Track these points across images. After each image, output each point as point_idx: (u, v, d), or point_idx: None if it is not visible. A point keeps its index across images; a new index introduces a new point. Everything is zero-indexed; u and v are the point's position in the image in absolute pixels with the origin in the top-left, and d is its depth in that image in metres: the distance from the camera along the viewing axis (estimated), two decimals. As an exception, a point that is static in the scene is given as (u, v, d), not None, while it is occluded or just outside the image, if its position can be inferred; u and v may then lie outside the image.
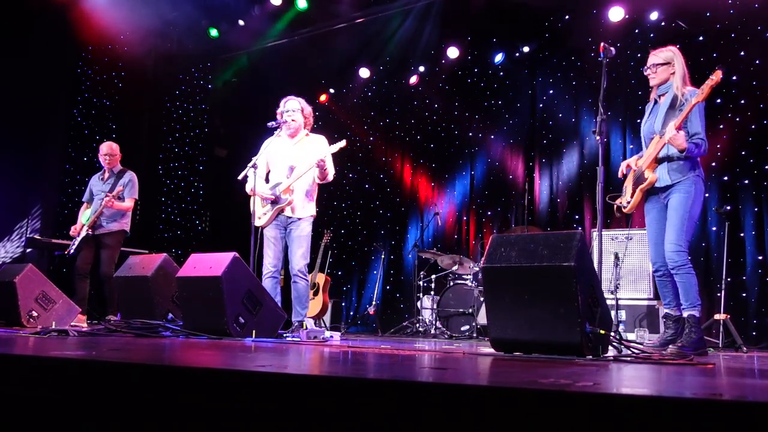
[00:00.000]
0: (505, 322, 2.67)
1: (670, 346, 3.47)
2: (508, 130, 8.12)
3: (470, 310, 6.44)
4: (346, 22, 8.50)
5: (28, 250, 6.91)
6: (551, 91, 7.83)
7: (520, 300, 2.60)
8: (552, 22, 7.63)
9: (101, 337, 3.33)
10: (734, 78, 6.32)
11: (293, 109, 4.72)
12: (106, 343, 2.78)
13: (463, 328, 6.47)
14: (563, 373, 1.66)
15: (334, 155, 4.72)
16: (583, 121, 7.48)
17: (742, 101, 6.34)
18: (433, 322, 6.74)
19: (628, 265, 5.72)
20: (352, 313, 8.80)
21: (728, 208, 5.91)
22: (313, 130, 4.92)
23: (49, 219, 7.46)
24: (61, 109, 7.77)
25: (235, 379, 1.47)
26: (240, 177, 4.65)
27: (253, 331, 3.81)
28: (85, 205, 6.07)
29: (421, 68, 8.59)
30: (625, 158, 4.12)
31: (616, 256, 5.69)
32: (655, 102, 3.86)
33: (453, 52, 8.27)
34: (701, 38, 6.53)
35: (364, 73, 8.91)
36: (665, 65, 3.77)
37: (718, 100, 6.33)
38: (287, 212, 4.61)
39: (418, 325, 6.96)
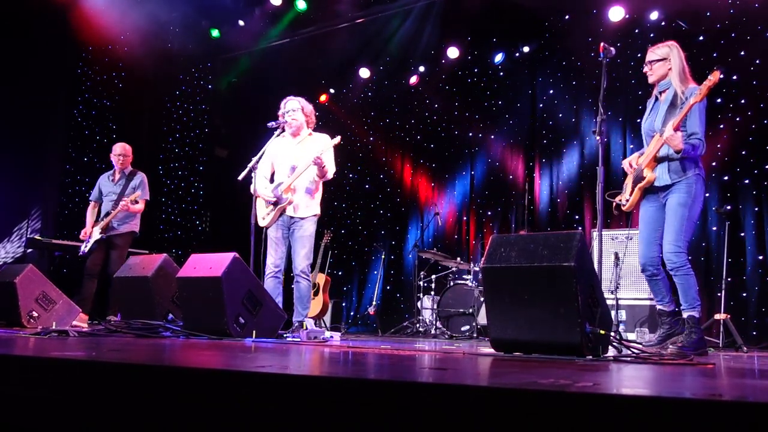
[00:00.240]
0: (505, 323, 2.67)
1: (670, 346, 3.46)
2: (508, 130, 8.12)
3: (470, 310, 6.44)
4: (346, 22, 8.50)
5: (29, 251, 6.92)
6: (551, 91, 7.84)
7: (520, 300, 2.60)
8: (552, 22, 7.63)
9: (101, 338, 3.33)
10: (734, 78, 6.33)
11: (293, 108, 4.73)
12: (106, 343, 2.78)
13: (463, 328, 6.47)
14: (563, 374, 1.66)
15: (335, 153, 4.72)
16: (583, 121, 7.48)
17: (742, 101, 6.34)
18: (434, 322, 6.74)
19: (628, 265, 5.71)
20: (352, 314, 8.80)
21: (728, 208, 5.90)
22: (314, 130, 4.92)
23: (49, 219, 7.46)
24: (61, 109, 7.76)
25: (235, 379, 1.47)
26: (240, 177, 4.66)
27: (253, 332, 3.81)
28: (92, 204, 6.12)
29: (421, 68, 8.59)
30: (625, 158, 4.12)
31: (616, 256, 5.69)
32: (656, 99, 3.81)
33: (453, 52, 8.27)
34: (701, 38, 6.53)
35: (364, 73, 8.92)
36: (662, 61, 3.70)
37: (718, 100, 6.33)
38: (289, 212, 4.61)
39: (418, 325, 6.96)
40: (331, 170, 4.66)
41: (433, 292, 7.13)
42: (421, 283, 7.14)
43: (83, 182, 7.67)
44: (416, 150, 8.85)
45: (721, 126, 6.36)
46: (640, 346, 3.37)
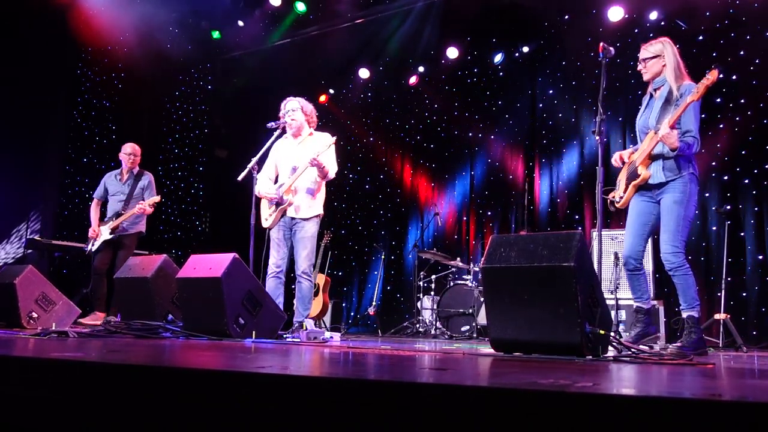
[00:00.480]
0: (504, 323, 2.66)
1: (670, 346, 3.46)
2: (508, 130, 8.12)
3: (470, 311, 6.44)
4: (346, 23, 8.50)
5: (28, 252, 6.92)
6: (551, 91, 7.84)
7: (520, 300, 2.60)
8: (552, 22, 7.64)
9: (101, 338, 3.33)
10: (734, 78, 6.33)
11: (293, 108, 4.73)
12: (106, 344, 2.78)
13: (463, 329, 6.47)
14: (563, 374, 1.66)
15: (337, 153, 4.71)
16: (583, 121, 7.48)
17: (742, 101, 6.34)
18: (433, 323, 6.74)
19: (628, 265, 5.70)
20: (352, 314, 8.80)
21: (728, 207, 5.90)
22: (316, 130, 4.91)
23: (49, 220, 7.46)
24: (61, 109, 7.77)
25: (235, 379, 1.47)
26: (240, 178, 4.66)
27: (253, 332, 3.80)
28: (96, 201, 6.13)
29: (421, 68, 8.59)
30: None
31: (616, 256, 5.69)
32: (651, 96, 3.77)
33: (453, 52, 8.27)
34: (701, 38, 6.54)
35: (364, 73, 8.92)
36: (655, 58, 3.67)
37: (718, 100, 6.33)
38: (290, 213, 4.60)
39: (418, 325, 6.96)
40: (332, 170, 4.63)
41: (433, 293, 7.13)
42: (421, 283, 7.14)
43: (83, 183, 7.66)
44: (416, 150, 8.85)
45: (721, 126, 6.36)
46: (635, 346, 3.37)
